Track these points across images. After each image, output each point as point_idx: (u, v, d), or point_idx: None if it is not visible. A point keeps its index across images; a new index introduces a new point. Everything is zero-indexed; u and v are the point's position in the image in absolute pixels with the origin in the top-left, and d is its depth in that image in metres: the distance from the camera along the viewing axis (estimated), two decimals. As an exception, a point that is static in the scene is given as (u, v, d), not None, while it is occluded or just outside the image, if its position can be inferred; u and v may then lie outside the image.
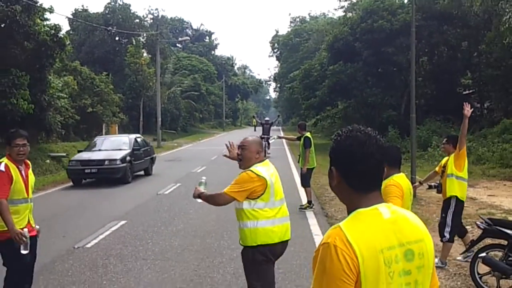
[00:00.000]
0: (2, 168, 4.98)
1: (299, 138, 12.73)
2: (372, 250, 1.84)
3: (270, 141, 26.99)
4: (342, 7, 44.01)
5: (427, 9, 28.38)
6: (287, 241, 4.98)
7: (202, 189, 5.04)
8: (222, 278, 6.82)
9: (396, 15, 29.74)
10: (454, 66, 29.73)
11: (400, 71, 30.30)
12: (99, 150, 19.09)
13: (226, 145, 5.50)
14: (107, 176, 17.15)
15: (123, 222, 10.67)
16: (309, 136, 12.38)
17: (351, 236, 1.84)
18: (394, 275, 1.88)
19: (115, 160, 17.31)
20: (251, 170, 4.75)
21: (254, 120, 30.39)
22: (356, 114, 33.88)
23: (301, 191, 13.29)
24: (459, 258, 7.63)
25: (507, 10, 19.30)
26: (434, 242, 2.92)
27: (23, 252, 5.24)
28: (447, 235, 7.24)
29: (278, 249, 4.90)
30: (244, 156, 4.90)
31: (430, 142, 24.12)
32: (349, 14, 36.78)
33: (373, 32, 29.93)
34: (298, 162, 13.13)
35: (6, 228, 5.03)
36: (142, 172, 20.25)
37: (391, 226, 1.93)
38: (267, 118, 29.29)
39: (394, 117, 29.24)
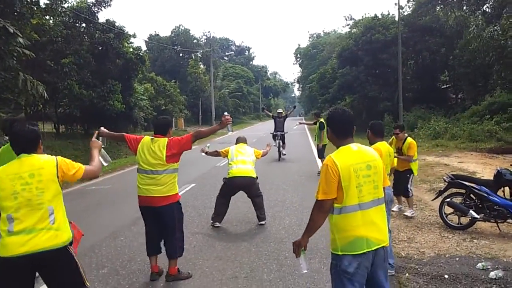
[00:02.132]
0: None
1: (315, 123, 13.18)
2: (345, 164, 2.80)
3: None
4: (348, 25, 43.55)
5: (412, 24, 28.07)
6: (244, 176, 6.94)
7: (207, 149, 7.41)
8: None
9: (389, 30, 29.47)
10: (434, 66, 29.31)
11: (393, 72, 30.05)
12: None
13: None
14: None
15: (193, 184, 11.14)
16: (323, 121, 12.74)
17: (336, 159, 2.82)
18: (360, 175, 2.81)
19: None
20: (229, 147, 7.39)
21: (265, 111, 20.11)
22: (359, 105, 33.61)
23: (318, 161, 13.69)
24: (407, 213, 7.48)
25: (472, 23, 19.10)
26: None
27: (231, 132, 5.99)
28: (411, 193, 7.46)
29: (236, 180, 6.94)
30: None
31: (416, 125, 24.10)
32: (354, 30, 36.37)
33: (371, 43, 29.78)
34: (314, 140, 13.53)
35: (176, 192, 4.84)
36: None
37: (356, 153, 2.89)
38: (279, 110, 17.40)
39: (389, 107, 29.02)
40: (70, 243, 3.09)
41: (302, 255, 3.04)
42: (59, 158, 3.13)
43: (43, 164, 3.00)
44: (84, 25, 23.14)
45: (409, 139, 7.30)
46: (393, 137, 7.48)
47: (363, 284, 2.84)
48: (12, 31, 12.57)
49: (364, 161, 2.84)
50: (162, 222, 4.79)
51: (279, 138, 15.72)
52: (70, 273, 3.06)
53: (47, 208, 2.95)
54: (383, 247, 2.86)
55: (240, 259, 5.47)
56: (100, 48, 22.97)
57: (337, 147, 2.92)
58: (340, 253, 2.80)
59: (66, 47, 20.83)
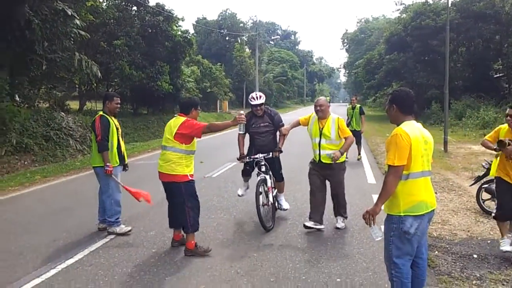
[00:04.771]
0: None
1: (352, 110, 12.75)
2: (415, 136, 3.12)
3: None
4: (398, 10, 42.21)
5: (465, 9, 26.91)
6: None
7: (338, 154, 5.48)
8: (294, 190, 7.66)
9: (440, 15, 28.43)
10: (487, 54, 28.09)
11: (443, 59, 28.93)
12: None
13: None
14: None
15: (234, 163, 11.54)
16: (360, 106, 12.51)
17: (407, 130, 3.12)
18: (420, 148, 3.14)
19: None
20: (338, 117, 5.76)
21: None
22: (406, 92, 32.95)
23: (354, 146, 13.47)
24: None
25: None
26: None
27: (241, 132, 5.62)
28: (494, 213, 5.20)
29: None
30: (324, 111, 5.73)
31: (464, 113, 23.49)
32: (403, 15, 35.33)
33: (421, 28, 28.89)
34: (348, 126, 13.04)
35: (181, 173, 4.88)
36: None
37: (419, 128, 3.25)
38: (256, 98, 6.31)
39: (437, 95, 28.16)
40: None
41: (374, 224, 3.21)
42: None
43: None
44: (135, 8, 23.98)
45: None
46: (506, 125, 5.01)
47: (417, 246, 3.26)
48: (70, 13, 13.39)
49: (422, 136, 3.18)
50: (171, 198, 5.05)
51: (263, 169, 6.37)
52: None
53: None
54: (433, 209, 3.29)
55: (276, 229, 5.83)
56: (150, 31, 23.72)
57: (398, 124, 3.23)
58: (402, 214, 3.13)
59: (118, 29, 21.72)
